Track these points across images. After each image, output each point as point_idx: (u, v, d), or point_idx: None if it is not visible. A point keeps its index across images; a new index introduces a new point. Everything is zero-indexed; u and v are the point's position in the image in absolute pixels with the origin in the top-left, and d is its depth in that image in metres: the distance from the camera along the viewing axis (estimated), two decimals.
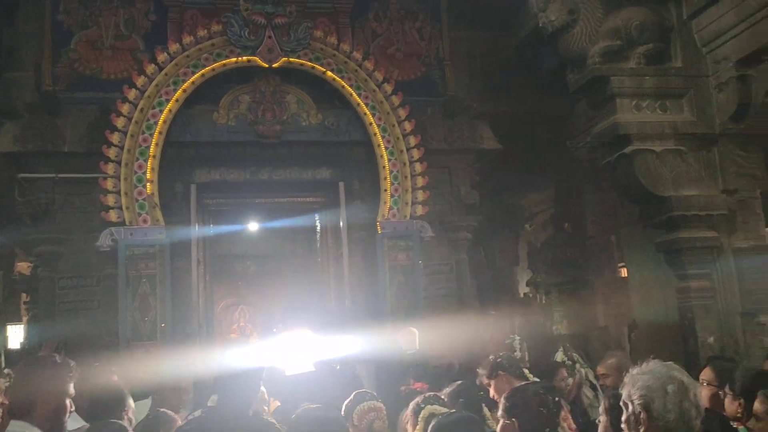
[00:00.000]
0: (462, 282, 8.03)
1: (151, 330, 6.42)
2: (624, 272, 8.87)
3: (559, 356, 6.92)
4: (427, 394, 3.98)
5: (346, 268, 7.19)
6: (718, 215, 6.46)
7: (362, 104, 7.20)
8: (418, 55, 8.30)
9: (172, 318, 6.50)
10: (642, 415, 2.14)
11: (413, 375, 5.49)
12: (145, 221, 6.55)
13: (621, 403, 2.23)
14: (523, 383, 4.36)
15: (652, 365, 2.21)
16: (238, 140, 7.11)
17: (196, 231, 6.90)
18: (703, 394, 4.25)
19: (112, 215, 6.52)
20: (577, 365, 6.38)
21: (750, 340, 6.29)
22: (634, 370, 2.21)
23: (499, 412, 3.72)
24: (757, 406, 3.00)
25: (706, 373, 4.23)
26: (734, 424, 3.47)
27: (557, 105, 8.50)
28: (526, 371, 4.57)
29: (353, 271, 7.33)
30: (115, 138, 6.60)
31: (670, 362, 2.22)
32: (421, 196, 7.31)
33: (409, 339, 6.14)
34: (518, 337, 6.94)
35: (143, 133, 6.64)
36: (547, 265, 10.58)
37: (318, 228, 8.15)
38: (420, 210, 7.28)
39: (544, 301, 10.50)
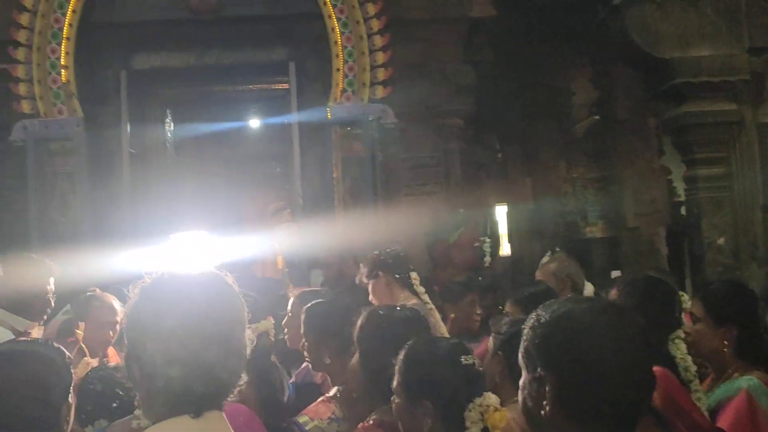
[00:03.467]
0: (451, 176, 6.94)
1: (72, 231, 5.89)
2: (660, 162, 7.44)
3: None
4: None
5: (297, 162, 6.30)
6: (740, 81, 4.96)
7: None
8: None
9: (92, 219, 5.93)
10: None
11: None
12: (60, 112, 5.91)
13: None
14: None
15: None
16: (167, 18, 6.24)
17: (128, 122, 6.18)
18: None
19: (25, 106, 5.92)
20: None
21: None
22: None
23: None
24: None
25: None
26: None
27: None
28: (416, 279, 3.61)
29: (309, 164, 6.44)
30: (24, 19, 5.92)
31: None
32: (381, 75, 6.19)
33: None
34: (489, 240, 5.87)
35: (55, 12, 5.90)
36: (587, 157, 9.19)
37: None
38: (381, 92, 6.18)
39: (581, 199, 9.15)
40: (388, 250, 3.65)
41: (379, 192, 6.05)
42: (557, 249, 5.91)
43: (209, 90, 7.03)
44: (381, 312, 2.26)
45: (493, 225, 7.07)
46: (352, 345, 2.58)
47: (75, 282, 4.37)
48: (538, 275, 4.00)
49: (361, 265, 3.75)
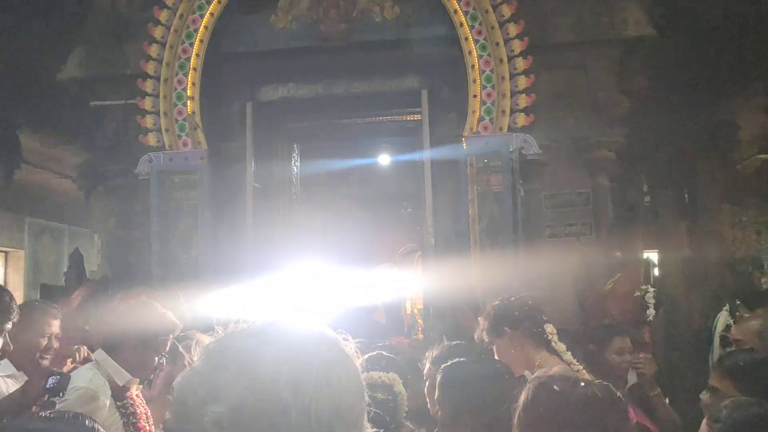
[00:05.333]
0: (601, 216, 6.13)
1: (193, 269, 5.62)
2: None
3: (721, 320, 4.95)
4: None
5: (428, 197, 5.74)
6: None
7: None
8: None
9: (213, 255, 5.64)
10: None
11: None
12: (185, 144, 5.72)
13: None
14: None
15: None
16: (296, 46, 5.94)
17: (253, 156, 5.90)
18: None
19: (151, 139, 5.78)
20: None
21: None
22: None
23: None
24: None
25: None
26: None
27: None
28: (552, 333, 2.90)
29: (441, 201, 5.87)
30: (153, 50, 5.82)
31: None
32: (523, 101, 5.55)
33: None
34: (653, 289, 5.00)
35: (183, 43, 5.76)
36: (760, 197, 8.04)
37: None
38: (522, 120, 5.54)
39: (752, 246, 7.99)
40: (512, 299, 2.94)
41: (520, 232, 5.36)
42: (738, 302, 4.99)
43: (337, 123, 6.67)
44: (557, 387, 1.61)
45: (655, 272, 6.20)
46: (505, 426, 1.94)
47: (192, 323, 4.02)
48: (736, 334, 3.20)
49: (480, 319, 3.04)
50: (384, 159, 9.03)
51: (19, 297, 13.26)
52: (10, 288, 13.09)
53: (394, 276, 5.78)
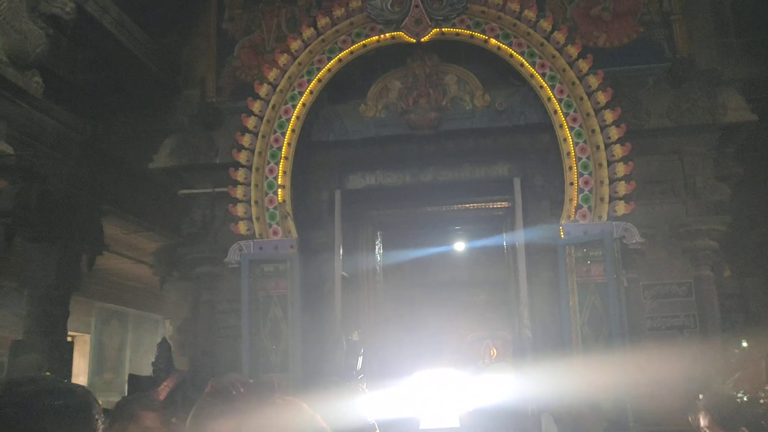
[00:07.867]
0: (706, 307, 5.82)
1: (282, 360, 5.46)
2: None
3: None
4: None
5: (524, 288, 5.52)
6: None
7: (537, 75, 5.54)
8: (634, 12, 6.43)
9: (302, 348, 5.47)
10: None
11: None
12: (275, 233, 5.66)
13: None
14: None
15: None
16: (386, 134, 5.93)
17: (341, 245, 5.82)
18: None
19: (242, 227, 5.75)
20: None
21: None
22: None
23: None
24: None
25: None
26: None
27: None
28: None
29: (537, 291, 5.64)
30: (245, 140, 5.87)
31: None
32: (623, 189, 5.37)
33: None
34: None
35: (275, 132, 5.80)
36: None
37: (504, 241, 6.56)
38: (622, 208, 5.34)
39: None
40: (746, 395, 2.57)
41: (625, 324, 5.08)
42: None
43: (423, 210, 6.58)
44: None
45: None
46: None
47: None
48: None
49: (704, 415, 2.59)
50: (459, 246, 8.89)
51: (83, 382, 13.17)
52: (75, 373, 13.04)
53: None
